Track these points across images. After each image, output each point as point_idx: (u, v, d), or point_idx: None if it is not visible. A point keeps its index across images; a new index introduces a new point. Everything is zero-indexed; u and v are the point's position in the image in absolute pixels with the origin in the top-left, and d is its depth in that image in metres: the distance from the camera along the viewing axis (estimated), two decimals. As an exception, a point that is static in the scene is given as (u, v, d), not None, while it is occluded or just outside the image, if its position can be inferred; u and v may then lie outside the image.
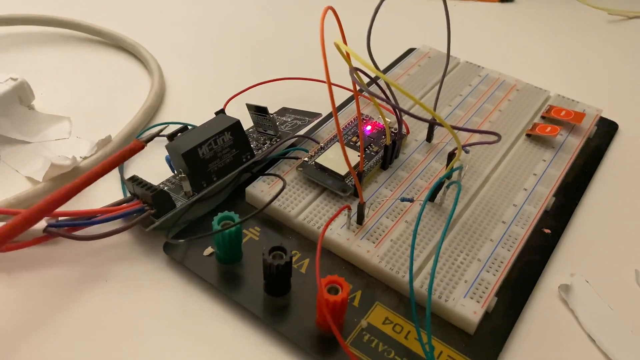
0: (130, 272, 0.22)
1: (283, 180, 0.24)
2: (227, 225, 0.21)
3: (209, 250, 0.23)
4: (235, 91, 0.30)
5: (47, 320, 0.21)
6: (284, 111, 0.30)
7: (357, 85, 0.22)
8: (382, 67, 0.33)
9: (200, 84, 0.34)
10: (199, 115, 0.28)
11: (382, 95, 0.22)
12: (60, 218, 0.23)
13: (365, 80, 0.30)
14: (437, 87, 0.32)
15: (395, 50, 0.36)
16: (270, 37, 0.39)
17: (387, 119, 0.25)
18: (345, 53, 0.20)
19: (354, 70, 0.21)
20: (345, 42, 0.20)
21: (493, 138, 0.21)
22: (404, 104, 0.30)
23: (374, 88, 0.28)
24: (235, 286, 0.22)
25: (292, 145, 0.28)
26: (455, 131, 0.20)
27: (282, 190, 0.23)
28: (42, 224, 0.22)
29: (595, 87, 0.35)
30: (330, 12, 0.20)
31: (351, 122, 0.28)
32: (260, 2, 0.43)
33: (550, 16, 0.44)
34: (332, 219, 0.21)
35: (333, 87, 0.31)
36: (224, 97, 0.30)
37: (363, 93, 0.30)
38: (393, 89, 0.26)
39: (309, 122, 0.28)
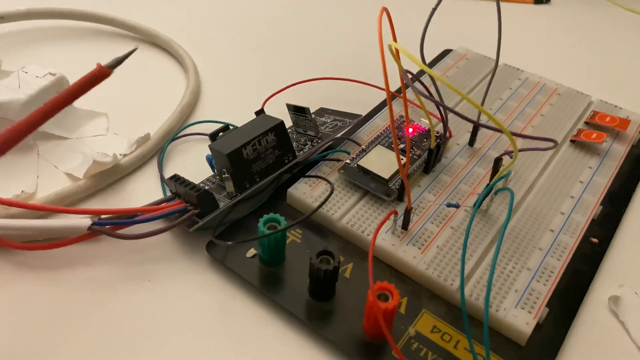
0: (173, 272, 0.22)
1: (331, 184, 0.23)
2: (274, 228, 0.21)
3: (252, 251, 0.22)
4: (271, 90, 0.30)
5: (91, 318, 0.20)
6: (322, 112, 0.29)
7: (405, 87, 0.21)
8: (420, 69, 0.33)
9: (235, 82, 0.33)
10: (236, 114, 0.28)
11: (428, 95, 0.22)
12: (102, 216, 0.22)
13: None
14: (477, 90, 0.31)
15: (430, 51, 0.35)
16: (306, 36, 0.38)
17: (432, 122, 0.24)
18: (395, 52, 0.20)
19: (405, 72, 0.20)
20: (396, 42, 0.20)
21: (548, 144, 0.21)
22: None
23: (418, 88, 0.28)
24: (278, 289, 0.21)
25: (331, 146, 0.27)
26: (513, 137, 0.19)
27: (330, 194, 0.23)
28: (86, 221, 0.22)
29: (635, 93, 0.35)
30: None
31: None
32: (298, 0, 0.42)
33: (585, 19, 0.43)
34: (380, 225, 0.20)
35: (372, 87, 0.31)
36: (261, 96, 0.29)
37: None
38: (439, 89, 0.25)
39: (350, 124, 0.27)
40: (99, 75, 0.21)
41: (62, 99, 0.20)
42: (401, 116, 0.28)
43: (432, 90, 0.27)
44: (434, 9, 0.22)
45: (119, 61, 0.22)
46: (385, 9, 0.20)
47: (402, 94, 0.21)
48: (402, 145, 0.26)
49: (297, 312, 0.21)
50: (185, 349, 0.20)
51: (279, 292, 0.21)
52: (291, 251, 0.23)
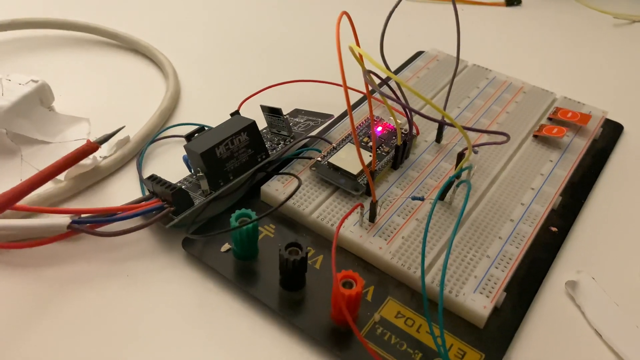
0: (150, 267, 0.23)
1: (298, 179, 0.25)
2: (244, 222, 0.22)
3: (226, 246, 0.23)
4: (248, 93, 0.31)
5: (71, 313, 0.21)
6: (296, 112, 0.30)
7: (369, 87, 0.22)
8: (391, 70, 0.34)
9: (214, 86, 0.35)
10: (214, 116, 0.29)
11: (393, 97, 0.23)
12: (82, 215, 0.23)
13: (377, 82, 0.31)
14: (446, 90, 0.33)
15: (403, 53, 0.37)
16: (281, 40, 0.39)
17: (398, 120, 0.25)
18: (358, 56, 0.21)
19: (367, 73, 0.22)
20: (358, 45, 0.21)
21: (502, 138, 0.22)
22: (414, 105, 0.31)
23: (384, 90, 0.29)
24: (251, 281, 0.22)
25: (305, 145, 0.28)
26: (465, 131, 0.20)
27: (297, 188, 0.24)
28: (65, 220, 0.23)
29: (601, 90, 0.36)
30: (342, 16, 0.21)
31: (362, 123, 0.29)
32: (272, 5, 0.44)
33: (556, 20, 0.44)
34: (345, 217, 0.22)
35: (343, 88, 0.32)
36: (238, 99, 0.30)
37: (374, 95, 0.31)
38: (404, 90, 0.26)
39: (322, 123, 0.28)
40: (88, 149, 0.24)
41: (53, 168, 0.23)
42: (376, 116, 0.29)
43: (399, 91, 0.28)
44: (391, 13, 0.23)
45: (106, 138, 0.25)
46: (345, 13, 0.21)
47: (368, 95, 0.22)
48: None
49: (269, 302, 0.22)
50: (163, 341, 0.21)
51: (252, 285, 0.22)
52: (264, 246, 0.24)
